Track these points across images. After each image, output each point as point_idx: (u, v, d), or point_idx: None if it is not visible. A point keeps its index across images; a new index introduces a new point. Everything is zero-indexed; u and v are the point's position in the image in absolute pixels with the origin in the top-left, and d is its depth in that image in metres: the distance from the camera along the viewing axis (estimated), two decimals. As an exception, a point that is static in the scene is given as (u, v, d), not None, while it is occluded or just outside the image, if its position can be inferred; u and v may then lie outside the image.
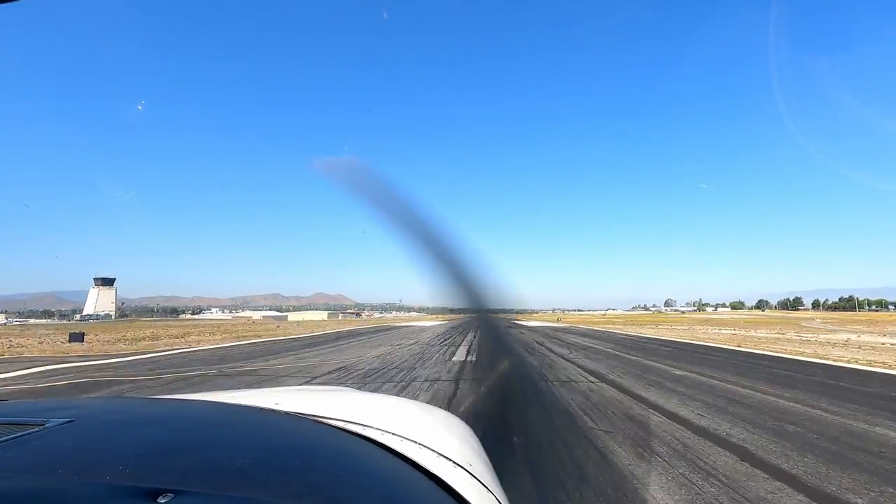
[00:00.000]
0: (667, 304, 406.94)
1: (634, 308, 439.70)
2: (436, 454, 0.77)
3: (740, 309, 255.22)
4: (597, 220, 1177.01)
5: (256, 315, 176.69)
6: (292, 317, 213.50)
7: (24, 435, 0.59)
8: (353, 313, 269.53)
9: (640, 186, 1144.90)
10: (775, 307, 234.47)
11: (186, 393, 1.17)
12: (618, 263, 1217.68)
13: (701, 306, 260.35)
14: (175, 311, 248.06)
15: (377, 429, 0.81)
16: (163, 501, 0.42)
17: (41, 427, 0.63)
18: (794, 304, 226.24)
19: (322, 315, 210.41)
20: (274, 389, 1.23)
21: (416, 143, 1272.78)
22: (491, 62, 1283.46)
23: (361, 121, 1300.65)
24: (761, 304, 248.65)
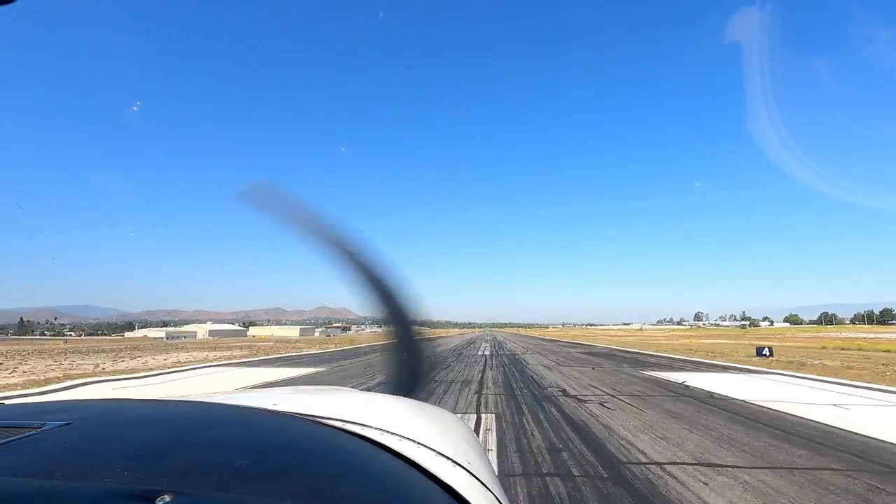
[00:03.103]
0: (697, 317, 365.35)
1: (660, 322, 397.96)
2: (434, 453, 0.77)
3: (799, 324, 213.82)
4: (607, 230, 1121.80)
5: (214, 328, 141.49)
6: (258, 331, 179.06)
7: (21, 438, 0.59)
8: (340, 328, 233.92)
9: (664, 196, 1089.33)
10: (851, 322, 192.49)
11: (184, 396, 1.21)
12: (637, 276, 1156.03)
13: (752, 321, 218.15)
14: (132, 327, 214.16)
15: (375, 428, 0.81)
16: (160, 503, 0.42)
17: (38, 430, 0.63)
18: (882, 318, 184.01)
19: (293, 331, 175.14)
20: (271, 390, 1.23)
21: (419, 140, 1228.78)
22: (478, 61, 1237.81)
23: (359, 121, 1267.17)
24: (829, 318, 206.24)
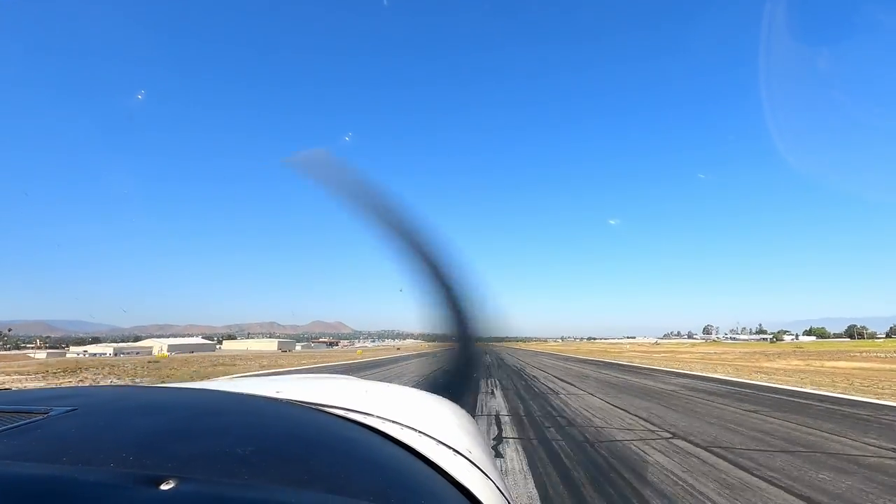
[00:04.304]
0: (706, 331, 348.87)
1: (667, 336, 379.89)
2: (436, 442, 0.78)
3: (825, 337, 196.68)
4: (605, 239, 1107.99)
5: (175, 342, 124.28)
6: (232, 346, 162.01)
7: (28, 423, 0.60)
8: (327, 342, 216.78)
9: (667, 203, 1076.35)
10: (887, 335, 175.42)
11: (189, 382, 1.23)
12: (637, 288, 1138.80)
13: (776, 335, 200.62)
14: (82, 342, 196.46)
15: (378, 417, 0.82)
16: (165, 488, 0.43)
17: (45, 415, 0.64)
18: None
19: (271, 345, 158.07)
20: (275, 378, 1.25)
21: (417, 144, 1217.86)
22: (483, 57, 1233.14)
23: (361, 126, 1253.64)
24: (859, 332, 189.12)
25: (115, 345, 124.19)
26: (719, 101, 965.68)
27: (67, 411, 0.66)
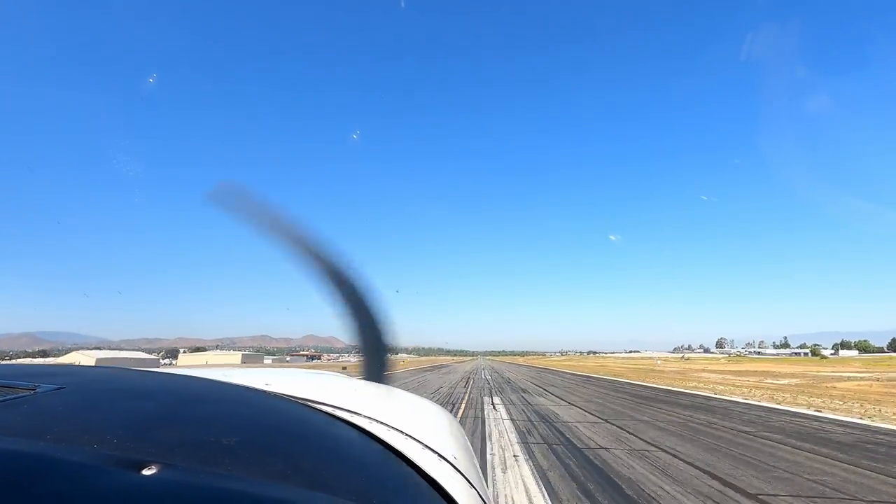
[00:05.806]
0: (718, 344, 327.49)
1: (676, 350, 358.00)
2: (422, 446, 0.78)
3: (868, 351, 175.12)
4: (605, 248, 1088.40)
5: (105, 356, 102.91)
6: (189, 359, 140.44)
7: (15, 398, 0.60)
8: (307, 356, 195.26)
9: (670, 211, 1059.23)
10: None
11: (178, 369, 1.17)
12: (640, 298, 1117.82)
13: (813, 348, 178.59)
14: (45, 354, 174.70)
15: (366, 416, 0.81)
16: (147, 473, 0.42)
17: (32, 391, 0.63)
18: None
19: (235, 358, 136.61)
20: (265, 370, 1.24)
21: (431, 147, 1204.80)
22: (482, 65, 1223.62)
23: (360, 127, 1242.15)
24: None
25: (26, 360, 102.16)
26: (727, 107, 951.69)
27: (55, 389, 0.66)
